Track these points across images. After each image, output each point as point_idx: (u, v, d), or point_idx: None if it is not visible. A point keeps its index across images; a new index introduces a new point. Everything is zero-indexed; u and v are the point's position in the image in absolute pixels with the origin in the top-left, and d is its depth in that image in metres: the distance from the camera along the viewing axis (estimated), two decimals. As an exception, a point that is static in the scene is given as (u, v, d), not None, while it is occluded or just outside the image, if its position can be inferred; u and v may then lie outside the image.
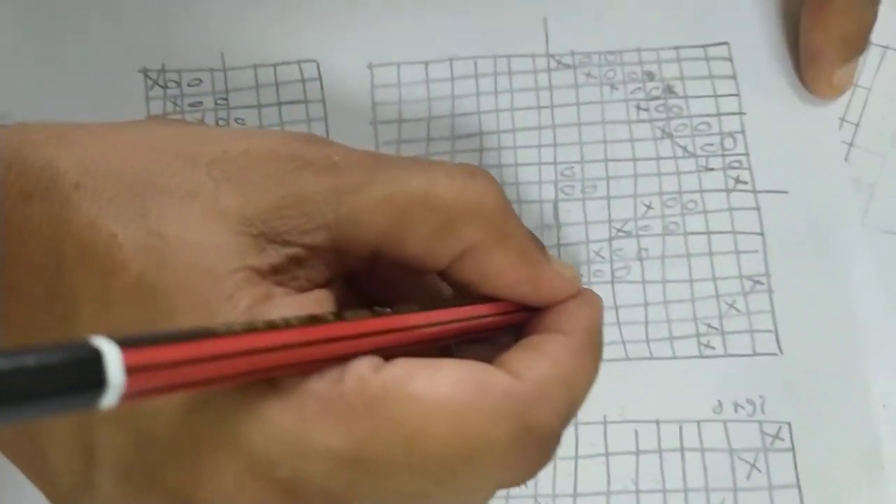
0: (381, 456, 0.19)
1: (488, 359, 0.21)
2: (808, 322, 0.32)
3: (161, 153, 0.20)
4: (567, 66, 0.33)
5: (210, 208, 0.19)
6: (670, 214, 0.32)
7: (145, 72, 0.33)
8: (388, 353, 0.20)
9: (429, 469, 0.19)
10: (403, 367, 0.19)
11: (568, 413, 0.22)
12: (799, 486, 0.31)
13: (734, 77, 0.34)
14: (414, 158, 0.23)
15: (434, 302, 0.23)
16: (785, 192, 0.33)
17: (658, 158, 0.33)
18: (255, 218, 0.20)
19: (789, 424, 0.31)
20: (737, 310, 0.32)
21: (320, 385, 0.19)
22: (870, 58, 0.34)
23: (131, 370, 0.15)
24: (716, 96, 0.34)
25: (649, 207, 0.33)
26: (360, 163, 0.21)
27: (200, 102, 0.33)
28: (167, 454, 0.19)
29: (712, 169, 0.33)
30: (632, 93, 0.33)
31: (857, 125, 0.33)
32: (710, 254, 0.32)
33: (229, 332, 0.17)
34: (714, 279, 0.32)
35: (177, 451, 0.19)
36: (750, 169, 0.33)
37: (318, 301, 0.20)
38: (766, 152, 0.33)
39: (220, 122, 0.33)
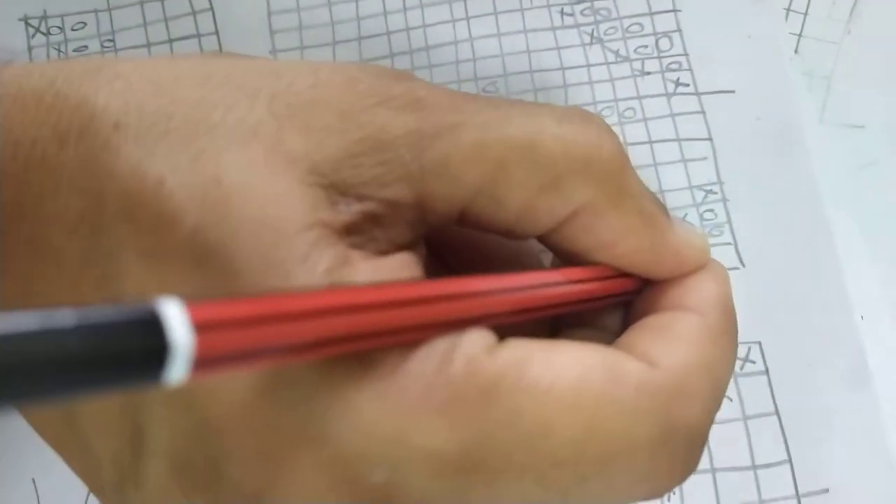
0: (498, 459, 0.15)
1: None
2: (771, 230, 0.28)
3: (215, 85, 0.16)
4: (480, -26, 0.30)
5: (274, 151, 0.15)
6: (607, 125, 0.28)
7: (26, 20, 0.30)
8: (492, 325, 0.16)
9: (554, 476, 0.15)
10: (519, 350, 0.16)
11: (714, 407, 0.17)
12: (777, 413, 0.26)
13: (664, -28, 0.30)
14: (513, 100, 0.18)
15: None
16: (731, 92, 0.29)
17: (588, 66, 0.29)
18: (324, 165, 0.16)
19: (759, 344, 0.27)
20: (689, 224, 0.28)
21: (423, 367, 0.15)
22: (811, -62, 0.30)
23: (201, 328, 0.11)
24: (646, -6, 0.30)
25: (583, 119, 0.28)
26: (450, 101, 0.17)
27: (86, 47, 0.29)
28: (235, 445, 0.15)
29: (649, 73, 0.29)
30: (553, -3, 0.29)
31: (805, 14, 0.29)
32: (655, 164, 0.28)
33: (313, 291, 0.14)
34: (661, 192, 0.28)
35: (247, 442, 0.15)
36: (690, 70, 0.29)
37: (404, 265, 0.16)
38: (707, 50, 0.29)
39: (108, 66, 0.29)
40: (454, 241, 0.21)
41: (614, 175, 0.17)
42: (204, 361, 0.11)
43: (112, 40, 0.29)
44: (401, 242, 0.17)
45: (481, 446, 0.15)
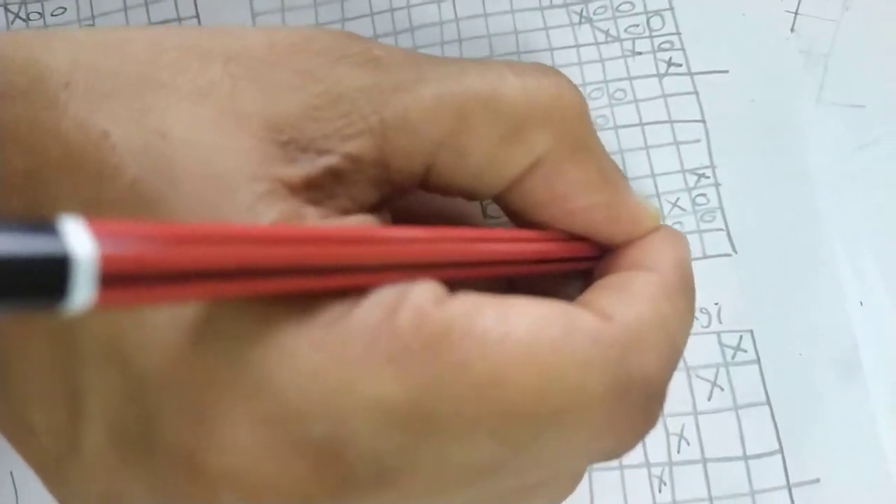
0: (449, 409, 0.14)
1: None
2: (764, 216, 0.27)
3: (167, 48, 0.16)
4: (465, -48, 0.29)
5: (226, 110, 0.15)
6: (597, 107, 0.27)
7: (6, 5, 0.29)
8: (442, 277, 0.15)
9: (506, 429, 0.15)
10: (470, 301, 0.15)
11: (671, 362, 0.17)
12: (769, 403, 0.25)
13: (656, -52, 0.29)
14: (471, 59, 0.18)
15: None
16: (725, 72, 0.27)
17: (577, 46, 0.28)
18: (282, 122, 0.15)
19: (751, 332, 0.26)
20: (681, 208, 0.27)
21: (368, 317, 0.14)
22: (809, -89, 0.29)
23: (104, 238, 0.10)
24: (637, -29, 0.28)
25: (571, 101, 0.28)
26: (407, 59, 0.17)
27: (66, 32, 0.29)
28: (166, 400, 0.14)
29: (640, 53, 0.28)
30: (541, -24, 0.28)
31: (803, -10, 0.28)
32: (646, 148, 0.27)
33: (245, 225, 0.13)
34: (653, 176, 0.27)
35: (178, 397, 0.14)
36: (683, 49, 0.28)
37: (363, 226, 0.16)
38: (700, 29, 0.28)
39: (89, 52, 0.28)
40: (412, 212, 0.20)
41: (574, 125, 0.17)
42: (111, 277, 0.10)
43: (92, 25, 0.28)
44: (364, 202, 0.16)
45: (431, 396, 0.14)
